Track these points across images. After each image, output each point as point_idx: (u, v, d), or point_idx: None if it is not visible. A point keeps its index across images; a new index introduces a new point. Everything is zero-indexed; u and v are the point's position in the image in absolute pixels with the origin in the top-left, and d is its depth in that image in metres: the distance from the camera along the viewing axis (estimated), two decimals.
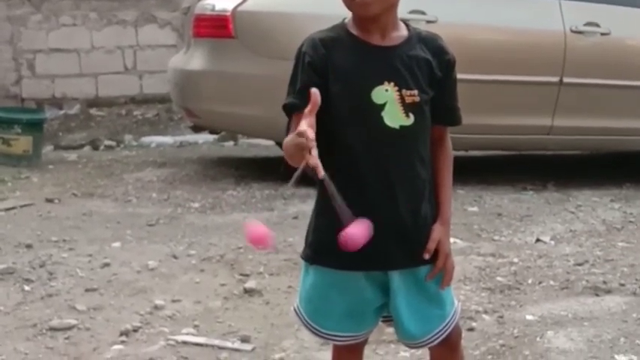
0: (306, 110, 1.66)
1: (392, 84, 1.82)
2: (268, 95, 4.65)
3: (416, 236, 1.88)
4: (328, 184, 1.68)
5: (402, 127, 1.83)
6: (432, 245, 1.89)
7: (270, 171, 5.25)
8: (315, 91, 1.67)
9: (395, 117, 1.83)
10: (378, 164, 1.84)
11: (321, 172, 1.64)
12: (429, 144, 1.91)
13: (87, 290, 3.38)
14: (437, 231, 1.89)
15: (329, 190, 1.69)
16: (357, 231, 1.69)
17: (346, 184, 1.82)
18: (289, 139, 1.75)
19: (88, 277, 3.53)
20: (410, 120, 1.84)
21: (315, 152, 1.63)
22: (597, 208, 4.76)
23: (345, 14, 1.90)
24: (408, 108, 1.83)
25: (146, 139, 7.63)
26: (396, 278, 1.90)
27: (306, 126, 1.63)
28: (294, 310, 2.00)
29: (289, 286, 3.35)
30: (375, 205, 1.84)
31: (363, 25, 1.85)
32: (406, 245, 1.87)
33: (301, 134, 1.62)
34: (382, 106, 1.82)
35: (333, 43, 1.85)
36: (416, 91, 1.84)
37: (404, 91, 1.83)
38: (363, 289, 1.91)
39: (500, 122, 5.22)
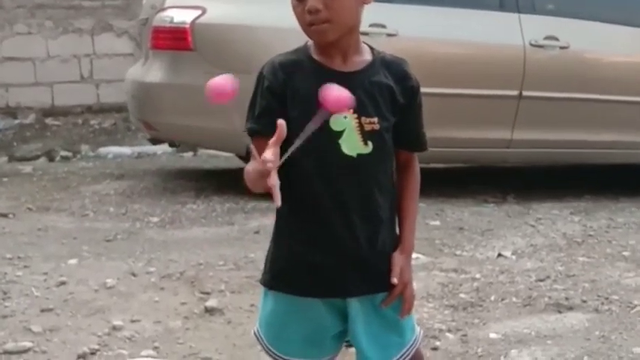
0: (271, 141, 1.63)
1: (351, 111, 1.79)
2: (227, 108, 4.60)
3: (374, 264, 1.85)
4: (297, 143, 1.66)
5: (359, 155, 1.80)
6: (396, 270, 1.86)
7: (231, 183, 5.19)
8: (281, 123, 1.64)
9: (353, 145, 1.80)
10: (334, 191, 1.81)
11: (278, 201, 1.61)
12: (390, 171, 1.88)
13: (42, 310, 3.28)
14: (397, 259, 1.87)
15: (302, 141, 1.66)
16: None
17: (303, 210, 1.81)
18: (250, 166, 1.72)
19: (44, 297, 3.44)
20: (368, 148, 1.81)
21: (275, 178, 1.60)
22: (557, 221, 4.78)
23: None
24: (366, 136, 1.80)
25: (103, 150, 7.52)
26: (355, 305, 1.87)
27: (270, 155, 1.60)
28: (255, 334, 1.98)
29: (251, 305, 3.30)
30: (332, 232, 1.82)
31: (323, 49, 1.82)
32: (364, 273, 1.85)
33: (263, 162, 1.60)
34: (340, 134, 1.79)
35: (294, 68, 1.82)
36: (376, 119, 1.81)
37: (363, 119, 1.80)
38: (322, 316, 1.89)
39: (460, 135, 5.22)
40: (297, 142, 1.66)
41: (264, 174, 1.60)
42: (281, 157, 1.64)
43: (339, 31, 1.77)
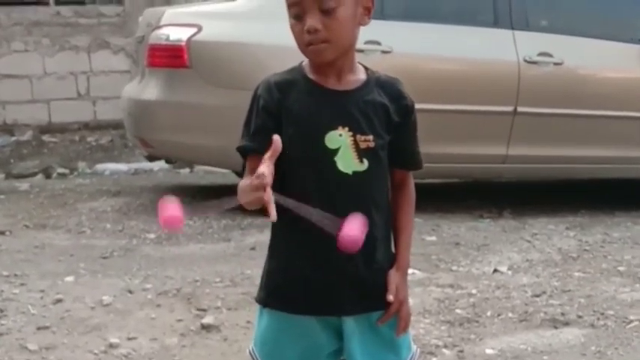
0: (266, 156, 1.64)
1: (346, 129, 1.79)
2: (223, 125, 4.63)
3: (370, 282, 1.85)
4: (298, 208, 1.67)
5: (354, 172, 1.81)
6: (392, 288, 1.86)
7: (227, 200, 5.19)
8: (276, 138, 1.65)
9: (348, 162, 1.81)
10: (329, 209, 1.81)
11: (274, 216, 1.61)
12: (385, 189, 1.89)
13: (39, 328, 3.29)
14: (392, 277, 1.87)
15: (302, 213, 1.67)
16: (353, 227, 1.66)
17: (299, 227, 1.80)
18: (244, 182, 1.73)
19: (40, 314, 3.44)
20: (364, 166, 1.81)
21: (270, 193, 1.61)
22: (553, 236, 4.79)
23: None
24: (362, 153, 1.81)
25: (100, 167, 7.53)
26: (350, 323, 1.87)
27: (265, 169, 1.61)
28: (250, 352, 1.97)
29: (248, 321, 3.30)
30: (327, 249, 1.81)
31: (318, 69, 1.83)
32: (359, 291, 1.85)
33: (258, 176, 1.60)
34: (335, 151, 1.80)
35: (289, 87, 1.83)
36: (371, 137, 1.81)
37: (358, 137, 1.80)
38: (317, 334, 1.88)
39: (455, 151, 5.24)
40: (290, 204, 1.67)
41: (260, 188, 1.60)
42: (275, 180, 1.64)
43: (336, 51, 1.79)
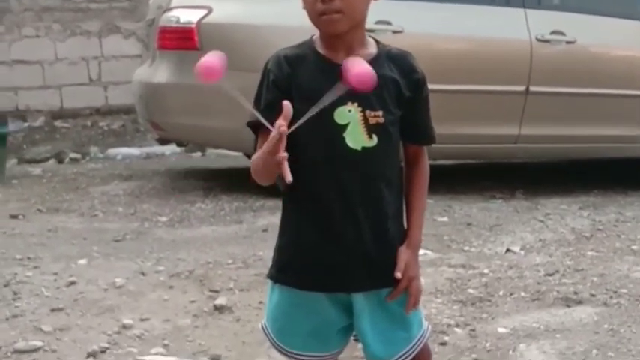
0: (279, 120, 1.62)
1: (355, 104, 1.78)
2: (234, 107, 4.60)
3: (380, 258, 1.85)
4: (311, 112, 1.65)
5: (364, 148, 1.80)
6: (401, 264, 1.86)
7: (239, 183, 5.20)
8: (286, 103, 1.63)
9: (357, 138, 1.80)
10: (340, 185, 1.81)
11: (289, 176, 1.60)
12: (397, 165, 1.88)
13: (53, 310, 3.30)
14: (402, 253, 1.86)
15: (315, 111, 1.65)
16: (355, 65, 1.64)
17: (309, 205, 1.81)
18: (257, 155, 1.73)
19: (54, 297, 3.45)
20: (373, 141, 1.80)
21: (283, 152, 1.60)
22: (566, 216, 4.78)
23: (312, 26, 1.86)
24: (371, 129, 1.80)
25: (112, 151, 7.55)
26: (360, 300, 1.87)
27: (282, 122, 1.60)
28: (262, 327, 1.98)
29: (260, 302, 3.31)
30: (337, 226, 1.82)
31: (329, 42, 1.82)
32: (369, 267, 1.84)
33: (277, 127, 1.59)
34: (345, 127, 1.79)
35: (299, 61, 1.82)
36: (380, 112, 1.80)
37: (368, 112, 1.79)
38: (327, 310, 1.89)
39: (467, 132, 5.22)
40: (312, 111, 1.64)
41: (276, 147, 1.59)
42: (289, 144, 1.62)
43: (349, 23, 1.77)
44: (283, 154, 1.60)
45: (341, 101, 1.77)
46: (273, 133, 1.61)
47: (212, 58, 1.63)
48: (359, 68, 1.64)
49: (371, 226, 1.83)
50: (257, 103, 1.83)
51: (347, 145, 1.80)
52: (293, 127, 1.62)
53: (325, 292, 1.86)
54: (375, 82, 1.66)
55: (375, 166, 1.83)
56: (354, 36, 1.82)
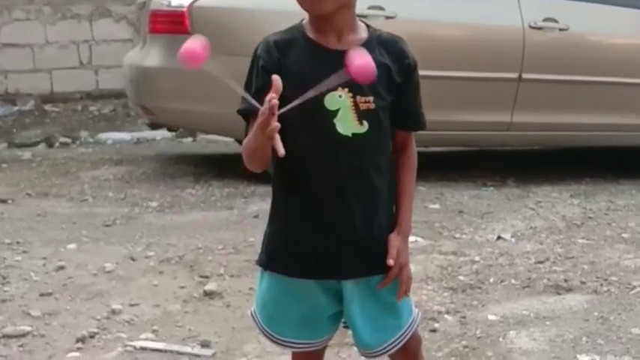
0: (269, 95, 1.60)
1: (346, 90, 1.76)
2: (225, 92, 4.56)
3: (370, 246, 1.84)
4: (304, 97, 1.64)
5: (354, 134, 1.78)
6: (393, 252, 1.84)
7: (230, 168, 5.18)
8: (276, 78, 1.61)
9: (347, 124, 1.78)
10: (329, 172, 1.79)
11: (281, 149, 1.59)
12: (387, 151, 1.87)
13: (41, 295, 3.28)
14: (393, 240, 1.85)
15: (310, 96, 1.64)
16: (356, 56, 1.62)
17: (299, 190, 1.80)
18: (247, 138, 1.71)
19: (43, 281, 3.44)
20: (364, 127, 1.79)
21: (276, 123, 1.58)
22: (557, 204, 4.78)
23: (302, 10, 1.83)
24: (362, 115, 1.78)
25: (102, 136, 7.51)
26: (350, 287, 1.86)
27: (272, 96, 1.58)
28: (251, 314, 1.97)
29: (250, 288, 3.30)
30: (327, 212, 1.80)
31: (318, 26, 1.80)
32: (359, 255, 1.83)
33: (268, 101, 1.57)
34: (335, 113, 1.77)
35: (288, 46, 1.80)
36: (371, 98, 1.78)
37: (358, 98, 1.77)
38: (317, 297, 1.88)
39: (459, 119, 5.21)
40: (308, 95, 1.63)
41: (268, 120, 1.57)
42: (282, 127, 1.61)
43: (335, 2, 1.75)
44: (275, 124, 1.58)
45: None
46: (265, 106, 1.59)
47: (193, 44, 1.61)
48: (361, 60, 1.63)
49: (361, 212, 1.82)
50: (247, 90, 1.81)
51: (337, 130, 1.78)
52: (285, 108, 1.61)
53: (315, 279, 1.85)
54: (374, 77, 1.65)
55: (366, 152, 1.81)
56: (343, 19, 1.79)
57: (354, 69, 1.62)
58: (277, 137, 1.59)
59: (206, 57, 1.60)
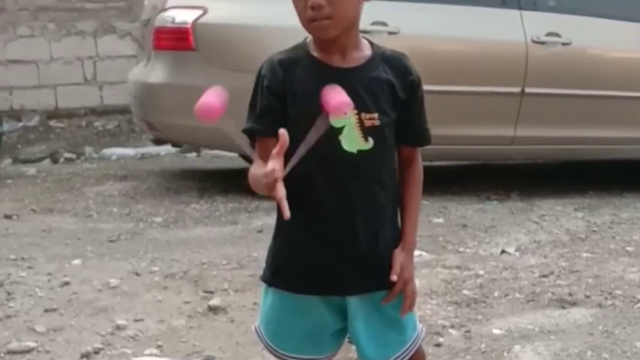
0: (274, 151, 1.61)
1: (351, 107, 1.78)
2: (229, 108, 4.60)
3: (375, 261, 1.84)
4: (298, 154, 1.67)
5: (360, 151, 1.79)
6: (397, 267, 1.85)
7: (234, 183, 5.20)
8: (282, 132, 1.62)
9: (353, 141, 1.79)
10: (335, 189, 1.80)
11: (287, 213, 1.60)
12: (392, 167, 1.87)
13: (46, 311, 3.29)
14: (397, 256, 1.85)
15: (302, 153, 1.68)
16: (332, 96, 1.65)
17: (304, 207, 1.79)
18: (255, 170, 1.72)
19: (48, 297, 3.44)
20: (369, 144, 1.79)
21: (282, 189, 1.59)
22: (561, 217, 4.77)
23: None
24: (367, 132, 1.79)
25: (107, 151, 7.54)
26: (354, 303, 1.87)
27: (276, 165, 1.59)
28: (255, 329, 1.98)
29: (254, 303, 3.30)
30: (332, 229, 1.81)
31: (322, 45, 1.81)
32: (364, 270, 1.84)
33: (267, 175, 1.59)
34: (340, 130, 1.78)
35: (293, 65, 1.81)
36: (376, 115, 1.79)
37: (363, 115, 1.78)
38: (321, 313, 1.88)
39: (463, 133, 5.22)
40: (301, 151, 1.65)
41: (271, 186, 1.59)
42: (285, 164, 1.62)
43: (340, 27, 1.76)
44: (280, 194, 1.59)
45: None
46: (265, 180, 1.59)
47: (211, 98, 1.62)
48: (336, 100, 1.67)
49: (366, 229, 1.83)
50: (252, 109, 1.83)
51: (342, 148, 1.79)
52: (286, 171, 1.62)
53: (319, 295, 1.86)
54: (350, 109, 1.70)
55: (371, 168, 1.82)
56: (348, 38, 1.81)
57: (332, 110, 1.66)
58: (284, 202, 1.59)
59: (222, 111, 1.61)
